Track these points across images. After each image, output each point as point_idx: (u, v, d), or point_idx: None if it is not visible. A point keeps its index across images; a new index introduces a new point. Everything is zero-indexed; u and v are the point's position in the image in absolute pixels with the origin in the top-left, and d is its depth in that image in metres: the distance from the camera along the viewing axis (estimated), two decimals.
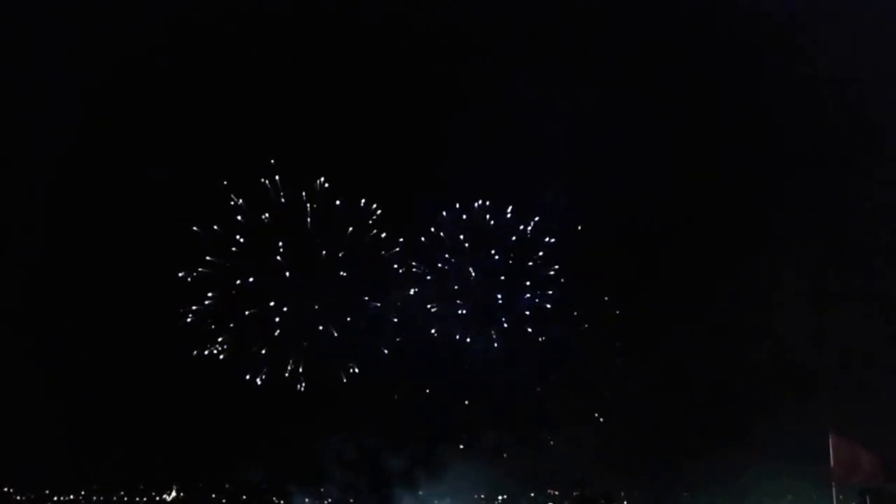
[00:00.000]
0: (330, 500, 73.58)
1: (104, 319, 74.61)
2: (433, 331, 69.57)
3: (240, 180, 66.97)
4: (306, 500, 74.39)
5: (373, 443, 72.59)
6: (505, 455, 72.76)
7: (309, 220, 68.46)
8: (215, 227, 67.59)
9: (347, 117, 70.77)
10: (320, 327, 69.05)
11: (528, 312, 69.57)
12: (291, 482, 75.10)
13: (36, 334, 74.58)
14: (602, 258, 68.68)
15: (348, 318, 69.25)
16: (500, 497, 78.41)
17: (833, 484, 27.75)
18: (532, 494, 77.05)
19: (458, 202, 68.83)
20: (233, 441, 75.07)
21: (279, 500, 78.79)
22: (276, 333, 68.95)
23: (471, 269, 69.52)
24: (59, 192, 73.17)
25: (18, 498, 78.41)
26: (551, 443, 69.46)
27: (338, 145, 69.32)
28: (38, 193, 73.60)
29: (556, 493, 76.07)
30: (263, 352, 68.63)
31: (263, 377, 69.08)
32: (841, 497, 29.91)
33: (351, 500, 73.59)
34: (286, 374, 69.51)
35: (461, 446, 73.01)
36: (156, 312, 73.20)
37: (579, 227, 68.39)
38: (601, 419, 67.25)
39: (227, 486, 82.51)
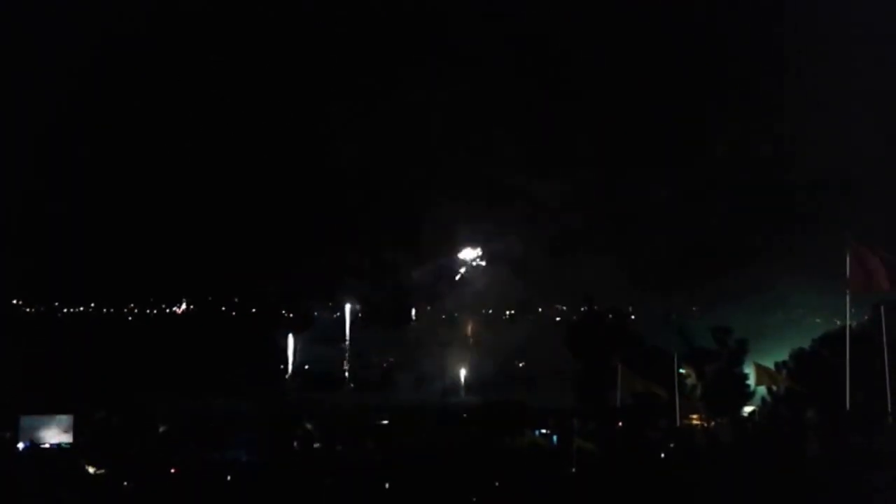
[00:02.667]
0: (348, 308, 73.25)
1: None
2: None
3: None
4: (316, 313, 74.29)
5: (392, 256, 71.99)
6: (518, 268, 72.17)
7: None
8: None
9: None
10: None
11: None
12: (306, 296, 74.86)
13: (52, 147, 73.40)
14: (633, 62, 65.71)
15: None
16: (508, 311, 78.17)
17: (848, 294, 26.26)
18: (540, 309, 76.84)
19: None
20: (244, 253, 74.49)
21: (289, 312, 78.86)
22: None
23: None
24: None
25: (28, 310, 78.77)
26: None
27: None
28: None
29: (564, 307, 75.76)
30: None
31: None
32: (853, 310, 28.48)
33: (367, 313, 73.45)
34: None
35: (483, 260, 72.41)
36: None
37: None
38: (618, 233, 66.04)
39: (236, 299, 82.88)
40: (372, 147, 69.44)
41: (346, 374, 69.05)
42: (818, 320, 51.00)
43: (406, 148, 70.08)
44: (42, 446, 35.24)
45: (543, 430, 38.88)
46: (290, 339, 72.56)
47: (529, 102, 69.27)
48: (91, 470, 29.73)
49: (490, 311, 75.07)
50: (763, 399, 40.99)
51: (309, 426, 37.21)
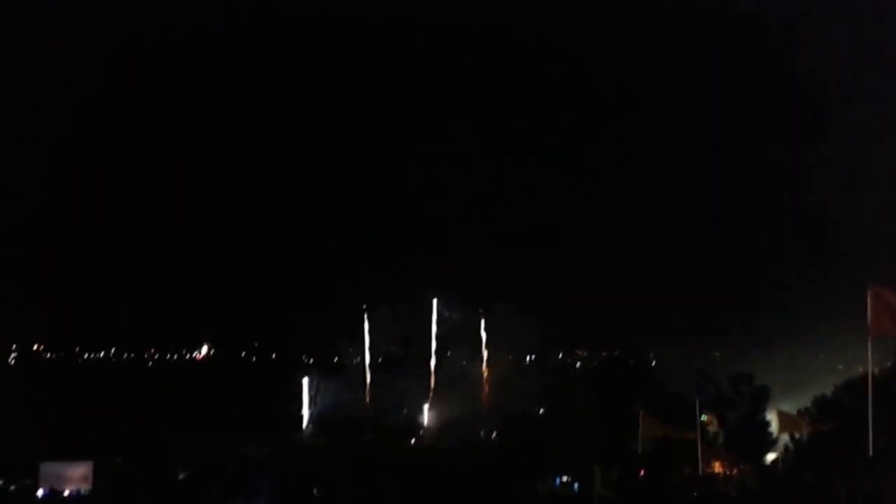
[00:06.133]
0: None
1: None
2: None
3: None
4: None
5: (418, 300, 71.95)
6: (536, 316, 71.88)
7: None
8: None
9: None
10: None
11: None
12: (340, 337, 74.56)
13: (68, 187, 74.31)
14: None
15: None
16: (528, 357, 77.78)
17: (870, 337, 26.05)
18: (560, 355, 76.46)
19: None
20: (264, 300, 74.69)
21: (308, 358, 78.81)
22: None
23: None
24: None
25: (48, 355, 79.43)
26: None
27: None
28: None
29: (585, 353, 75.36)
30: None
31: None
32: (877, 355, 28.26)
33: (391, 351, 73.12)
34: None
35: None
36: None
37: None
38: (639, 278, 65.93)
39: (256, 343, 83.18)
40: (400, 189, 69.47)
41: (368, 418, 68.73)
42: (840, 366, 50.65)
43: (435, 189, 70.10)
44: (62, 493, 35.23)
45: (565, 478, 38.59)
46: (311, 384, 72.33)
47: (556, 140, 68.95)
48: None
49: (511, 356, 74.71)
50: (786, 446, 40.60)
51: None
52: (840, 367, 50.54)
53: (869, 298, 25.18)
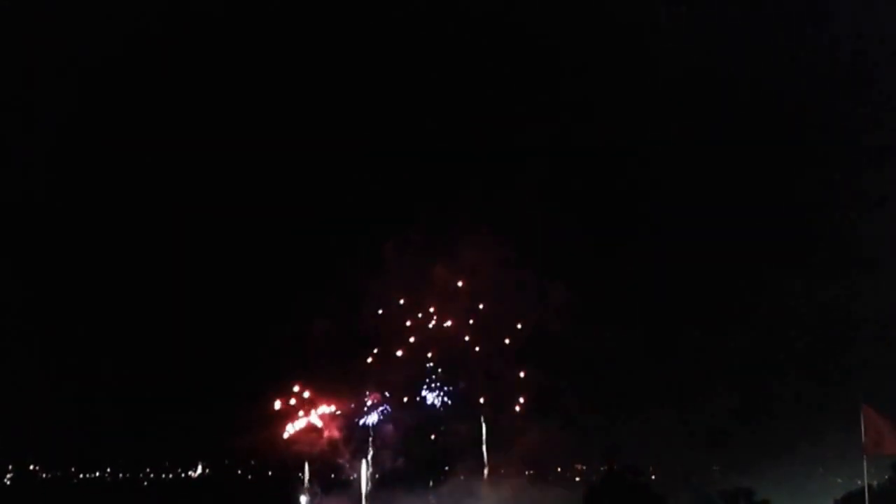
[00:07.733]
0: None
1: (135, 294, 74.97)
2: None
3: None
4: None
5: (410, 418, 71.85)
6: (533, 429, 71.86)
7: None
8: None
9: None
10: None
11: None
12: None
13: (61, 311, 74.70)
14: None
15: None
16: (528, 472, 77.44)
17: (865, 456, 26.71)
18: (559, 469, 76.14)
19: None
20: (259, 417, 74.60)
21: (302, 474, 78.21)
22: None
23: None
24: None
25: (44, 476, 78.93)
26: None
27: None
28: None
29: (584, 467, 75.11)
30: None
31: None
32: (873, 470, 28.81)
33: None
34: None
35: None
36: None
37: None
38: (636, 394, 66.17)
39: (252, 461, 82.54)
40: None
41: None
42: (839, 480, 50.85)
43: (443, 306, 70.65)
44: None
45: None
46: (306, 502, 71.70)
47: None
48: None
49: (512, 470, 74.39)
50: None
51: None
52: (839, 481, 50.76)
53: (862, 418, 25.97)
